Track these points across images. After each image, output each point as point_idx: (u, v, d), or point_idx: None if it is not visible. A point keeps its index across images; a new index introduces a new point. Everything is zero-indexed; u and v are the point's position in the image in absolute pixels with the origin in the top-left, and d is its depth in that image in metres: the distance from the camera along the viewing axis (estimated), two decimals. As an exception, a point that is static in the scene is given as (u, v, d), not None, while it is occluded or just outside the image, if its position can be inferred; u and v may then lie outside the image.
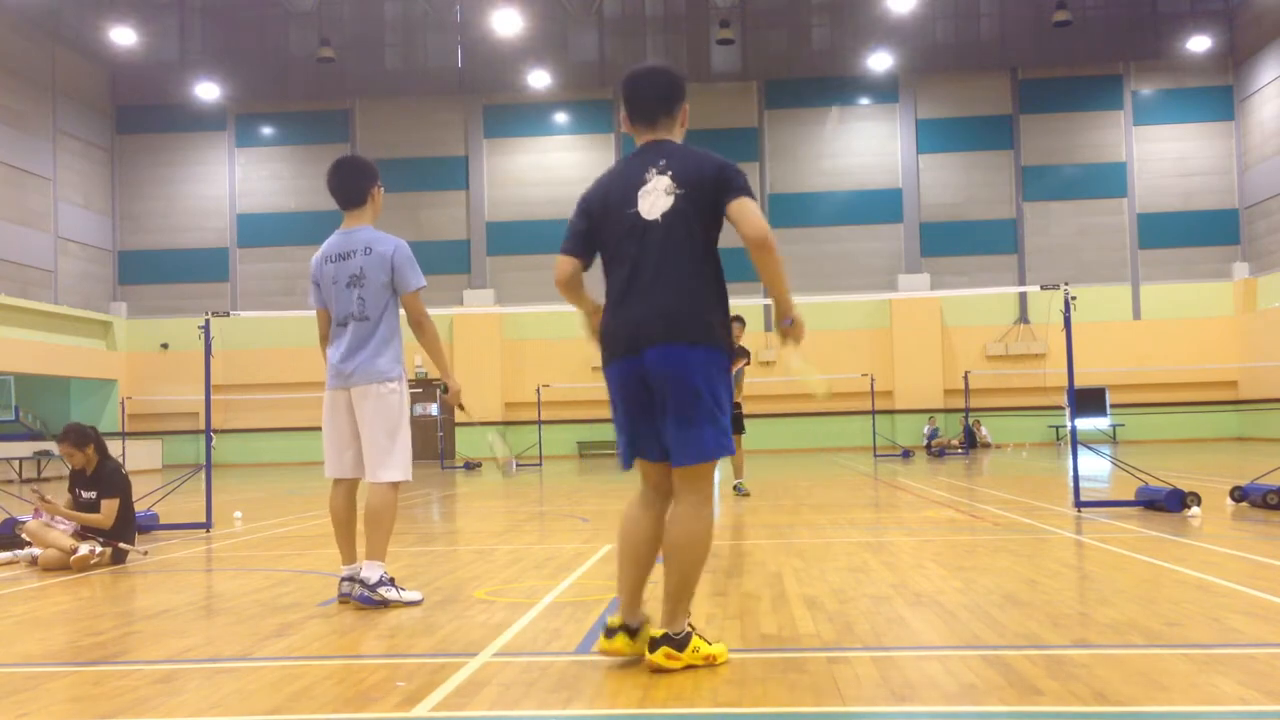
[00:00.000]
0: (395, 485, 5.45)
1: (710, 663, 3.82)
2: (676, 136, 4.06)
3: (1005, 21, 31.69)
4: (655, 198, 3.89)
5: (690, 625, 3.84)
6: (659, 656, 3.75)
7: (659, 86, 4.05)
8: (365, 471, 5.49)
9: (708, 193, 3.84)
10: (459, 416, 6.00)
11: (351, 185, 5.62)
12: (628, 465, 4.08)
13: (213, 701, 3.59)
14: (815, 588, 5.57)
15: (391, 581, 5.35)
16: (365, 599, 5.25)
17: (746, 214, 3.78)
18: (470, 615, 5.06)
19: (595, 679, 3.73)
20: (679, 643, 3.77)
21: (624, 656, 3.95)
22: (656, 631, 3.82)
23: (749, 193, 3.83)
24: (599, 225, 4.02)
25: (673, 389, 3.82)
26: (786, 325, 3.93)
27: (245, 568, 7.19)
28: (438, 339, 5.54)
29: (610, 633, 3.95)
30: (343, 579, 5.48)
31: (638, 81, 4.06)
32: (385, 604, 5.23)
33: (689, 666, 3.77)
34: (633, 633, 3.94)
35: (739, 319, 12.01)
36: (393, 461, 5.41)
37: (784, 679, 3.63)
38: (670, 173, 3.89)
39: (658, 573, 3.99)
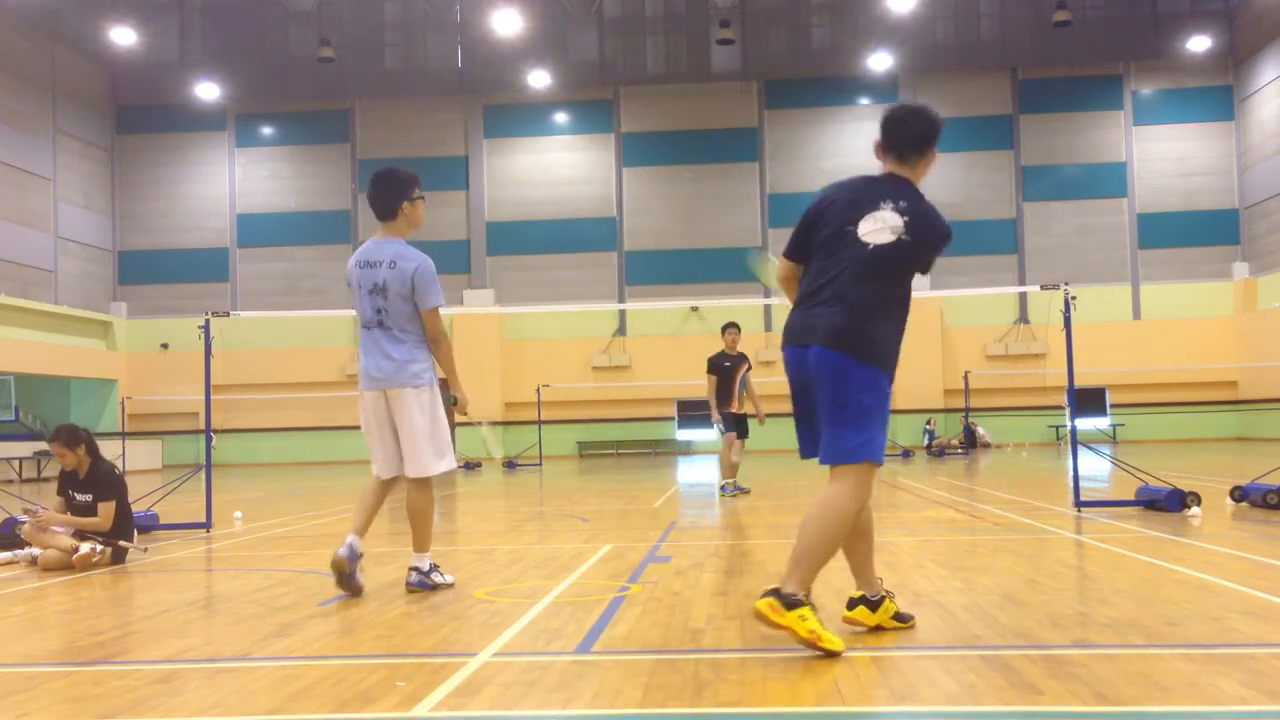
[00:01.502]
0: (431, 482, 5.89)
1: (811, 640, 3.84)
2: (917, 175, 4.31)
3: (1005, 21, 31.70)
4: (879, 227, 4.13)
5: (806, 599, 3.92)
6: (764, 605, 3.89)
7: (923, 129, 4.31)
8: (406, 468, 5.84)
9: (927, 252, 4.18)
10: (459, 417, 6.26)
11: (382, 199, 5.89)
12: (803, 455, 4.37)
13: (213, 701, 3.59)
14: (815, 587, 5.55)
15: (437, 568, 5.91)
16: (421, 584, 5.77)
17: None
18: (470, 615, 5.06)
19: (595, 679, 3.73)
20: (787, 601, 3.88)
21: (865, 627, 4.29)
22: (769, 586, 4.00)
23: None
24: (815, 230, 4.28)
25: (825, 390, 4.09)
26: None
27: (245, 568, 7.18)
28: (451, 354, 5.94)
29: (851, 604, 4.33)
30: (346, 544, 5.64)
31: (906, 117, 4.34)
32: (435, 587, 5.79)
33: (787, 629, 3.85)
34: (872, 605, 4.30)
35: (734, 324, 12.12)
36: (438, 456, 5.83)
37: (784, 679, 3.62)
38: (907, 219, 4.13)
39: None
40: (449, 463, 5.91)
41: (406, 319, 5.74)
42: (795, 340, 4.19)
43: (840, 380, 4.04)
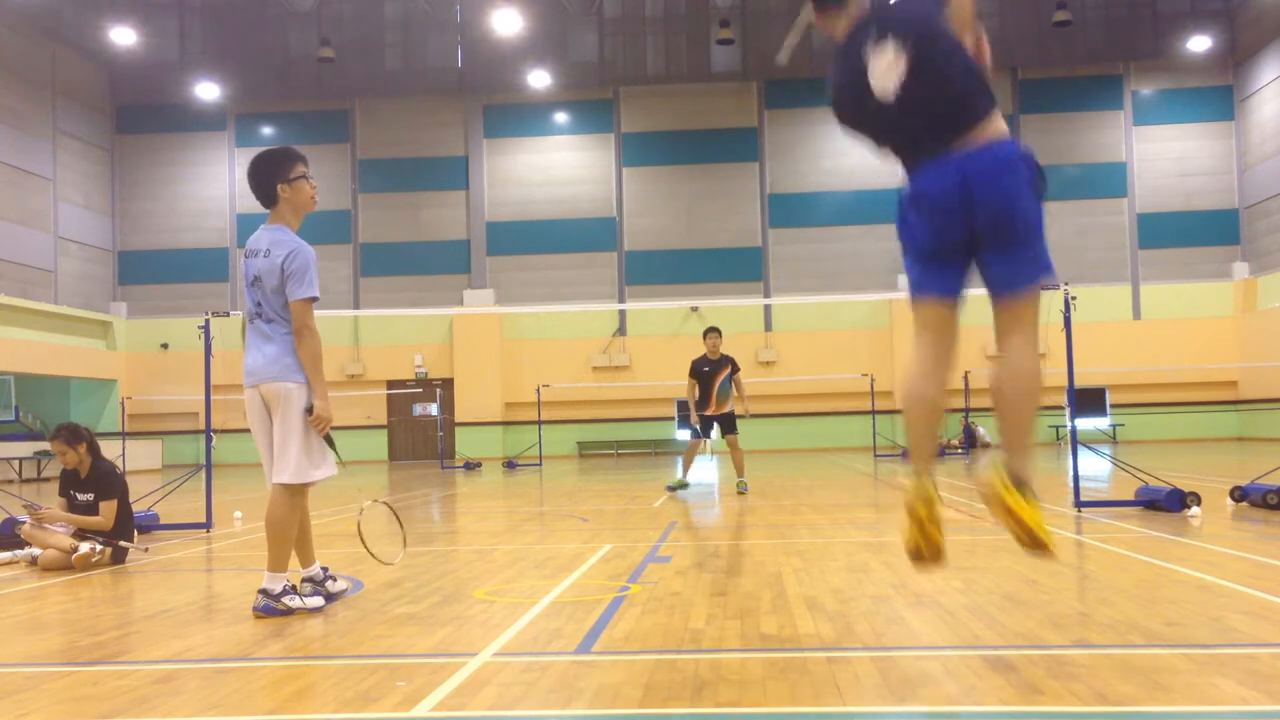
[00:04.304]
0: (293, 491, 5.25)
1: (1043, 537, 3.54)
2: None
3: (1005, 21, 31.69)
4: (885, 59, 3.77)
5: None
6: (1005, 491, 3.54)
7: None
8: (274, 471, 5.31)
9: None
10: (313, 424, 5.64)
11: (256, 185, 5.40)
12: (937, 293, 3.84)
13: (213, 701, 3.59)
14: (815, 588, 5.57)
15: (294, 590, 5.27)
16: (269, 609, 5.14)
17: None
18: (470, 615, 5.06)
19: (595, 679, 3.73)
20: (1028, 491, 3.56)
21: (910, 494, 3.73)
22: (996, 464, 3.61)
23: None
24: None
25: (1000, 196, 3.60)
26: None
27: (245, 568, 7.18)
28: (315, 356, 5.23)
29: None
30: (303, 579, 5.51)
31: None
32: (290, 612, 5.16)
33: (1028, 521, 3.51)
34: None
35: (714, 329, 12.61)
36: (285, 464, 5.21)
37: (784, 679, 3.62)
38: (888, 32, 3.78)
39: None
40: (324, 471, 5.27)
41: (286, 311, 5.24)
42: (945, 151, 3.61)
43: (1018, 175, 3.59)
